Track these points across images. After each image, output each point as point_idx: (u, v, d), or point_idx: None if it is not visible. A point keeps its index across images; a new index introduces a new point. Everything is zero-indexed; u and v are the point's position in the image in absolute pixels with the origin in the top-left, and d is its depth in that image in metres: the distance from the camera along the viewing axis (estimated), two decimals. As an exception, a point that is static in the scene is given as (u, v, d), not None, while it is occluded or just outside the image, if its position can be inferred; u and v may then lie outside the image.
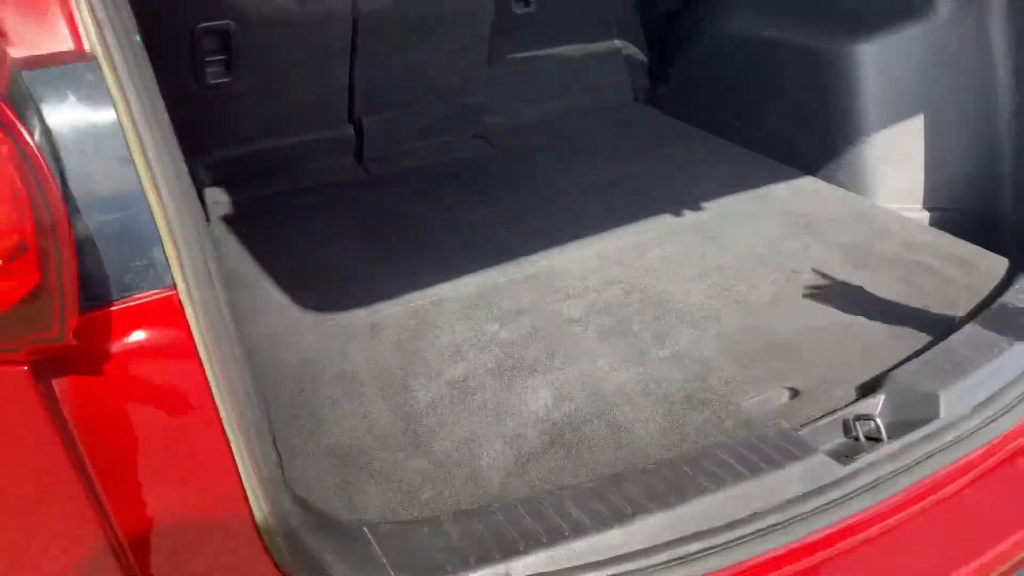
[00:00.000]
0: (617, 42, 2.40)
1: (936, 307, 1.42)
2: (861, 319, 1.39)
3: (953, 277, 1.50)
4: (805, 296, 1.46)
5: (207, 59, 1.64)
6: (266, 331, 1.35)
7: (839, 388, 1.24)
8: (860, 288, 1.48)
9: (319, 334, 1.36)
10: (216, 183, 1.80)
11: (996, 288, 1.46)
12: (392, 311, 1.41)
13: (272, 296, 1.45)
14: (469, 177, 1.93)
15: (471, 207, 1.78)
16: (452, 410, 1.21)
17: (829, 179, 1.88)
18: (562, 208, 1.78)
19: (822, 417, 1.15)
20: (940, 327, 1.34)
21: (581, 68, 2.32)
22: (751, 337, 1.36)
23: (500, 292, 1.47)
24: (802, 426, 1.13)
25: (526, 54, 2.27)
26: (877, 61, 1.78)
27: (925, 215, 1.81)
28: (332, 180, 1.88)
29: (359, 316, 1.40)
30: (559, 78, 2.29)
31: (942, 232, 1.68)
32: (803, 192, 1.83)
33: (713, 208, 1.76)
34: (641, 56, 2.42)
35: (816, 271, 1.54)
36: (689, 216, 1.73)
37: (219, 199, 1.76)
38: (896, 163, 1.81)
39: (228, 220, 1.71)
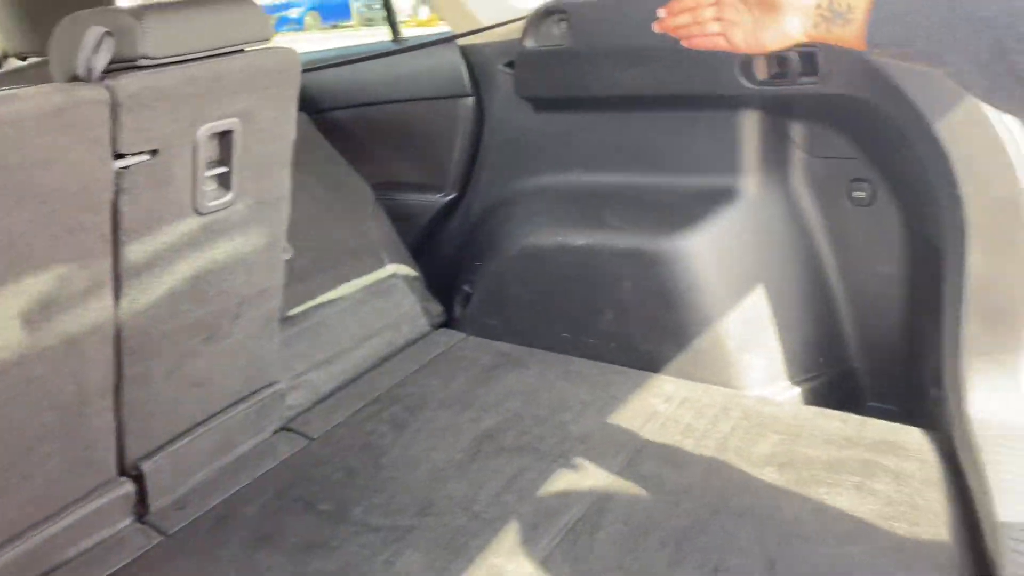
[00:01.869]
0: (390, 267, 2.12)
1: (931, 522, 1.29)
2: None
3: (905, 471, 1.41)
4: None
5: None
6: None
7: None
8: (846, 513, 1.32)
9: None
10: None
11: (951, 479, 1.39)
12: None
13: None
14: (299, 502, 1.46)
15: (326, 553, 1.33)
16: None
17: (688, 376, 1.76)
18: (446, 518, 1.40)
19: None
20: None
21: (366, 307, 1.99)
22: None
23: None
24: None
25: (302, 308, 1.89)
26: (706, 251, 1.73)
27: (797, 391, 1.76)
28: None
29: None
30: (348, 325, 1.93)
31: (833, 413, 1.62)
32: (680, 399, 1.68)
33: (614, 449, 1.52)
34: (419, 276, 2.17)
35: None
36: (610, 475, 1.47)
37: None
38: (754, 347, 1.75)
39: None
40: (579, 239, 1.86)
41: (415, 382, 1.84)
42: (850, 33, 0.84)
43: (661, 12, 0.98)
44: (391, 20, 2.38)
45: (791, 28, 0.90)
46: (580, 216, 1.90)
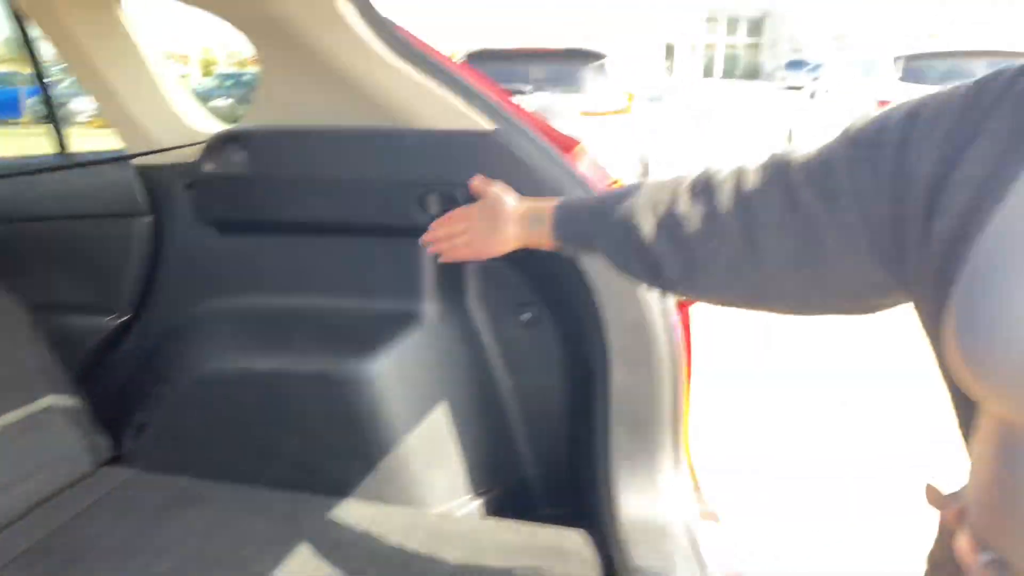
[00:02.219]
0: (47, 399, 1.91)
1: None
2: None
3: (569, 573, 1.53)
4: None
5: None
6: None
7: None
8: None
9: None
10: None
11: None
12: None
13: None
14: None
15: None
16: None
17: (377, 498, 1.78)
18: None
19: None
20: None
21: (15, 447, 1.77)
22: None
23: None
24: None
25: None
26: (391, 373, 1.79)
27: (477, 503, 1.85)
28: None
29: None
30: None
31: (508, 523, 1.72)
32: (367, 523, 1.69)
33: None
34: (84, 408, 1.98)
35: None
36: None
37: None
38: (437, 465, 1.82)
39: None
40: (264, 363, 1.83)
41: (75, 529, 1.65)
42: (544, 234, 1.14)
43: (431, 229, 1.33)
44: (57, 132, 2.22)
45: (510, 234, 1.20)
46: (265, 340, 1.88)
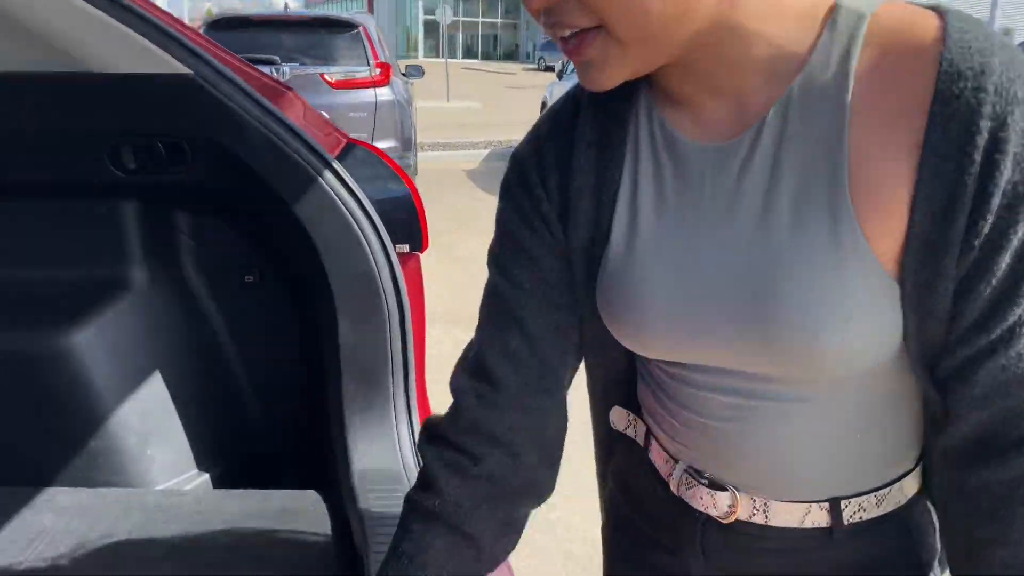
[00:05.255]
0: None
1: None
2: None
3: (301, 536, 1.47)
4: None
5: None
6: None
7: None
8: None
9: None
10: None
11: None
12: None
13: None
14: None
15: None
16: None
17: (85, 483, 1.62)
18: None
19: None
20: None
21: None
22: None
23: None
24: None
25: None
26: (94, 346, 1.63)
27: (206, 478, 1.74)
28: None
29: None
30: None
31: (236, 492, 1.62)
32: (74, 510, 1.52)
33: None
34: None
35: None
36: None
37: None
38: (157, 441, 1.69)
39: None
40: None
41: None
42: None
43: None
44: None
45: None
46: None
